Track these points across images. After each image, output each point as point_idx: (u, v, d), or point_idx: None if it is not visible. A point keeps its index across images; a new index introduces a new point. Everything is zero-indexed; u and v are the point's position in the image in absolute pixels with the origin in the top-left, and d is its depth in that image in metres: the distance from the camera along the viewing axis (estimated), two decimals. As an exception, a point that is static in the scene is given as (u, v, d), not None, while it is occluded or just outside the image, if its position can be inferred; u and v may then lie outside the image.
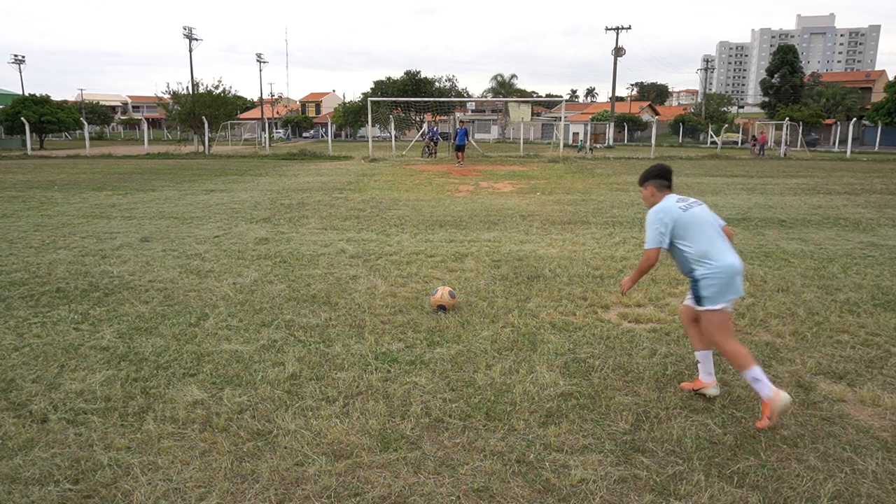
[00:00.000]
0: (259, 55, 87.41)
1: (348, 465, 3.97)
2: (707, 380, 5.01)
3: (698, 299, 4.73)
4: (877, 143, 56.60)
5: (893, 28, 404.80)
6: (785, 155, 48.00)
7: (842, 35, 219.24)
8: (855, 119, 60.98)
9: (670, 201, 4.84)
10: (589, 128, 63.51)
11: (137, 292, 7.88)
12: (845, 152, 50.24)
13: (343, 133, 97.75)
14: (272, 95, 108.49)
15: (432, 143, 42.19)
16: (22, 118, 48.24)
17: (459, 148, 33.17)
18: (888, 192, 21.02)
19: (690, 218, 4.72)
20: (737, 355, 4.59)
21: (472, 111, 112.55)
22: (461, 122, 37.73)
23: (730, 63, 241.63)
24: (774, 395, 4.45)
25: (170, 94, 49.69)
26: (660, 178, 5.00)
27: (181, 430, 4.39)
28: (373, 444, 4.22)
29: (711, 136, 70.32)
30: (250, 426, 4.44)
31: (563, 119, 49.79)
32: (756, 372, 4.52)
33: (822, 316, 7.04)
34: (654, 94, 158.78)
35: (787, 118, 57.25)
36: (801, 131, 63.71)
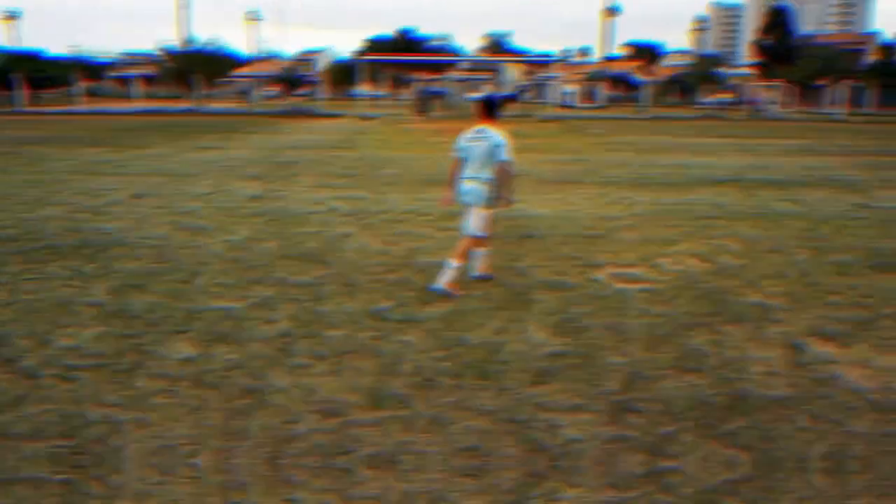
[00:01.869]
0: (252, 12, 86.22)
1: (339, 422, 3.97)
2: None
3: None
4: (870, 105, 56.34)
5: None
6: (772, 114, 47.73)
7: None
8: (849, 81, 60.60)
9: (464, 133, 6.49)
10: (582, 87, 63.08)
11: (129, 249, 7.82)
12: (839, 114, 50.02)
13: (336, 91, 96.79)
14: (265, 53, 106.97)
15: (425, 102, 41.88)
16: (13, 74, 47.52)
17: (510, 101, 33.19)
18: (881, 153, 20.99)
19: (464, 148, 6.41)
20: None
21: (467, 70, 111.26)
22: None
23: (723, 24, 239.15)
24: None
25: (163, 50, 49.15)
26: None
27: (172, 387, 4.38)
28: (364, 401, 4.22)
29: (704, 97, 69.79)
30: (241, 383, 4.43)
31: (555, 78, 49.32)
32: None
33: (814, 277, 7.04)
34: (647, 54, 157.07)
35: (782, 79, 56.84)
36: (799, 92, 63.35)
